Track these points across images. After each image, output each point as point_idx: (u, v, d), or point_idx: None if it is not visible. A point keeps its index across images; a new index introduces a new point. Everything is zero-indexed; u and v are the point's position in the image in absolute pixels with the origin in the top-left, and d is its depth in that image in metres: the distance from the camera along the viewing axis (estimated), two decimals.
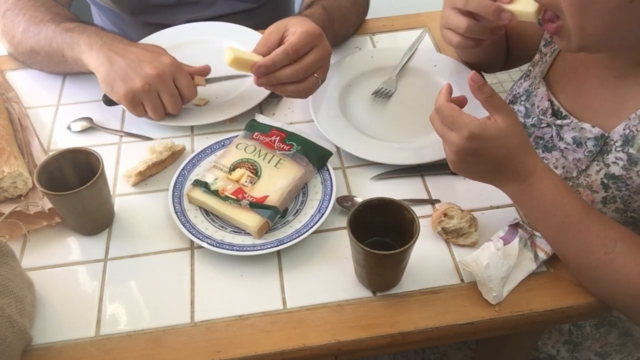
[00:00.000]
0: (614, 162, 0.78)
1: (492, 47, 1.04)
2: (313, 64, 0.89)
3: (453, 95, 0.87)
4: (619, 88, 0.79)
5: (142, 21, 1.20)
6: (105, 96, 0.99)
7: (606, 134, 0.79)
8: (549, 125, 0.87)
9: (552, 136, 0.87)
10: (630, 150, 0.76)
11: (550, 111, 0.87)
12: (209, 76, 1.00)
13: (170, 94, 0.92)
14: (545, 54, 0.91)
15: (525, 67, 1.01)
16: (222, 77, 1.01)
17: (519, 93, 0.94)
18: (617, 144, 0.78)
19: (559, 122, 0.85)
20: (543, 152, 0.89)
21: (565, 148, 0.85)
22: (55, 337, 0.72)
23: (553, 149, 0.87)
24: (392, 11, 1.27)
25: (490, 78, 2.37)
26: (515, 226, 0.78)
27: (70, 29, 0.96)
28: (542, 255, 0.77)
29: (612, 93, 0.80)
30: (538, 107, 0.89)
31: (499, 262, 0.73)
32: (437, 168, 0.90)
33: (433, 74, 1.06)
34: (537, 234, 0.78)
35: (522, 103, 0.93)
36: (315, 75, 0.91)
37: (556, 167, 0.87)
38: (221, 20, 1.16)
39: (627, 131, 0.76)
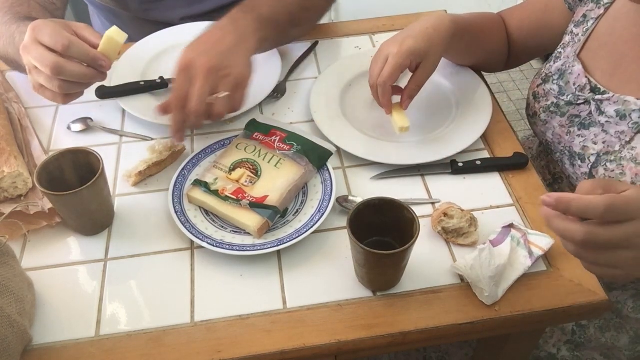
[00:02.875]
0: None
1: (487, 52, 1.04)
2: (199, 96, 0.81)
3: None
4: None
5: (139, 17, 1.20)
6: (98, 90, 0.99)
7: None
8: (586, 102, 0.86)
9: (590, 112, 0.86)
10: None
11: (588, 87, 0.86)
12: None
13: (37, 58, 0.81)
14: (577, 34, 0.91)
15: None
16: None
17: (550, 72, 0.94)
18: None
19: (599, 97, 0.84)
20: (579, 129, 0.88)
21: (606, 122, 0.84)
22: (56, 337, 0.72)
23: (591, 126, 0.86)
24: (392, 11, 1.28)
25: (491, 78, 2.37)
26: (508, 227, 0.78)
27: (14, 35, 0.93)
28: (538, 251, 0.77)
29: None
30: (575, 84, 0.88)
31: (485, 262, 0.72)
32: (437, 168, 0.90)
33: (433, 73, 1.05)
34: (532, 231, 0.78)
35: (555, 82, 0.92)
36: (219, 95, 0.83)
37: (595, 143, 0.86)
38: (219, 13, 1.16)
39: None
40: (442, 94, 1.03)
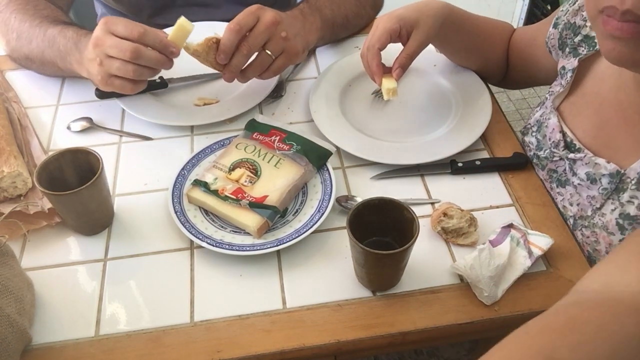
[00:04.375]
0: (629, 201, 0.74)
1: (484, 57, 1.03)
2: (257, 36, 0.89)
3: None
4: None
5: (148, 23, 1.20)
6: (97, 90, 1.00)
7: (622, 171, 0.75)
8: (562, 159, 0.84)
9: (565, 170, 0.84)
10: None
11: (562, 143, 0.84)
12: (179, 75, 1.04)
13: (113, 46, 0.85)
14: (560, 85, 0.88)
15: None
16: (189, 77, 1.05)
17: (530, 124, 0.92)
18: (633, 182, 0.73)
19: (572, 155, 0.81)
20: (557, 186, 0.86)
21: (578, 184, 0.81)
22: (55, 337, 0.72)
23: (567, 184, 0.84)
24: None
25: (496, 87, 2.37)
26: (507, 227, 0.78)
27: (56, 39, 0.95)
28: (537, 251, 0.76)
29: (634, 131, 0.76)
30: (550, 139, 0.86)
31: (484, 262, 0.72)
32: (436, 168, 0.90)
33: (433, 73, 1.06)
34: (532, 231, 0.78)
35: (534, 134, 0.90)
36: (267, 51, 0.91)
37: (571, 204, 0.83)
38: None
39: None
40: (442, 94, 1.03)
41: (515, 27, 1.06)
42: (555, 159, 0.85)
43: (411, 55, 0.89)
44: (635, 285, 0.56)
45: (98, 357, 0.70)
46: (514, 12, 2.63)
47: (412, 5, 0.90)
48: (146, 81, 0.91)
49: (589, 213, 0.80)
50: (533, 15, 2.55)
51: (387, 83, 0.88)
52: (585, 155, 0.80)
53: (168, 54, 0.87)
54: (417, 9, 0.89)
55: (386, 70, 0.90)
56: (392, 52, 0.90)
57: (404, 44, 0.90)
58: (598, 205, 0.79)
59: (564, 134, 0.84)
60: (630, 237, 0.63)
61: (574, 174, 0.82)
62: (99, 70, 0.87)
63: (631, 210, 0.74)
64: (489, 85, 1.05)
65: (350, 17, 1.11)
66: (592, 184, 0.79)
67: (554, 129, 0.85)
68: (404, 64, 0.89)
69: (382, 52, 0.89)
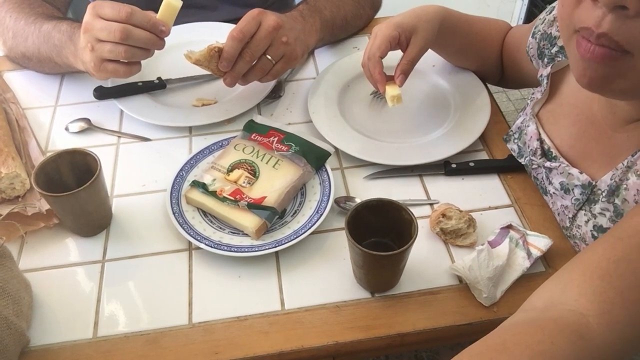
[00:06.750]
0: (600, 213, 0.74)
1: (481, 57, 1.03)
2: (259, 42, 0.89)
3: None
4: (614, 140, 0.75)
5: None
6: (96, 91, 1.00)
7: (593, 182, 0.75)
8: (539, 167, 0.84)
9: (543, 178, 0.84)
10: (616, 201, 0.71)
11: (539, 151, 0.84)
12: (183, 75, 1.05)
13: (102, 29, 0.85)
14: (539, 91, 0.88)
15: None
16: (188, 78, 1.05)
17: (512, 130, 0.92)
18: (603, 194, 0.73)
19: (548, 164, 0.82)
20: (543, 194, 0.86)
21: (553, 193, 0.82)
22: (53, 339, 0.72)
23: (547, 193, 0.84)
24: (390, 12, 1.27)
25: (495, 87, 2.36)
26: (506, 228, 0.78)
27: (51, 34, 0.95)
28: (536, 252, 0.76)
29: (608, 144, 0.76)
30: (529, 146, 0.86)
31: (483, 263, 0.72)
32: (435, 168, 0.90)
33: (431, 74, 1.05)
34: (531, 232, 0.78)
35: (515, 142, 0.90)
36: (267, 57, 0.91)
37: (555, 214, 0.83)
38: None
39: (613, 181, 0.72)
40: (441, 95, 1.03)
41: (513, 26, 1.06)
42: (534, 166, 0.85)
43: (412, 61, 0.89)
44: (572, 303, 0.57)
45: (96, 358, 0.70)
46: (513, 12, 2.63)
47: (409, 11, 0.91)
48: (140, 65, 0.91)
49: (568, 224, 0.80)
50: (533, 16, 2.55)
51: (391, 90, 0.89)
52: (560, 165, 0.80)
53: (158, 33, 0.86)
54: (415, 15, 0.90)
55: (388, 78, 0.90)
56: (392, 59, 0.90)
57: (403, 51, 0.90)
58: (571, 216, 0.79)
59: (541, 142, 0.84)
60: (578, 254, 0.63)
61: (550, 182, 0.82)
62: (92, 57, 0.87)
63: (604, 222, 0.74)
64: (488, 85, 1.05)
65: (349, 18, 1.11)
66: (565, 193, 0.79)
67: (532, 136, 0.85)
68: (406, 70, 0.89)
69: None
